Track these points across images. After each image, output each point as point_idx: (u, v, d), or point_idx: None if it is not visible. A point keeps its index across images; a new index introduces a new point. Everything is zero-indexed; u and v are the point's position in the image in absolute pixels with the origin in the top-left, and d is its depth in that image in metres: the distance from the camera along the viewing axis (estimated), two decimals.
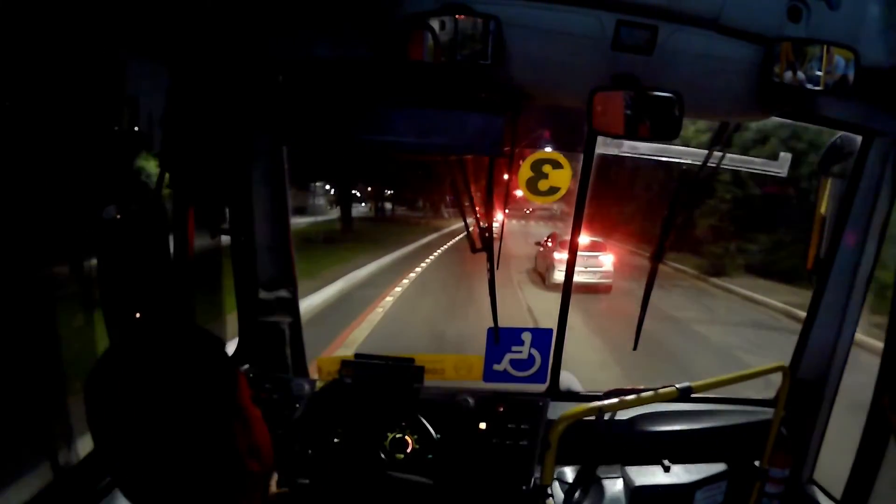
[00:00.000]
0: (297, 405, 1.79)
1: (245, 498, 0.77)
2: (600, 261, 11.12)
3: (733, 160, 2.02)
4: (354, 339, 7.24)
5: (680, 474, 1.84)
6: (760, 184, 13.72)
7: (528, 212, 39.00)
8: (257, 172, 1.75)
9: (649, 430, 1.88)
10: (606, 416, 1.54)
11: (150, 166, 1.55)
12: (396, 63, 1.28)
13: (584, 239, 11.63)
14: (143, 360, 0.71)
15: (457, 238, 23.45)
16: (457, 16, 1.21)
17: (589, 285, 10.80)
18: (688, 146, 2.04)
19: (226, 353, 0.79)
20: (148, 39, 1.31)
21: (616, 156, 2.09)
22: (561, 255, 10.57)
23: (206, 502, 0.73)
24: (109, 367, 0.71)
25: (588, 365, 6.49)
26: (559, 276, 10.38)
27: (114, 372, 0.71)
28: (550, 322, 2.09)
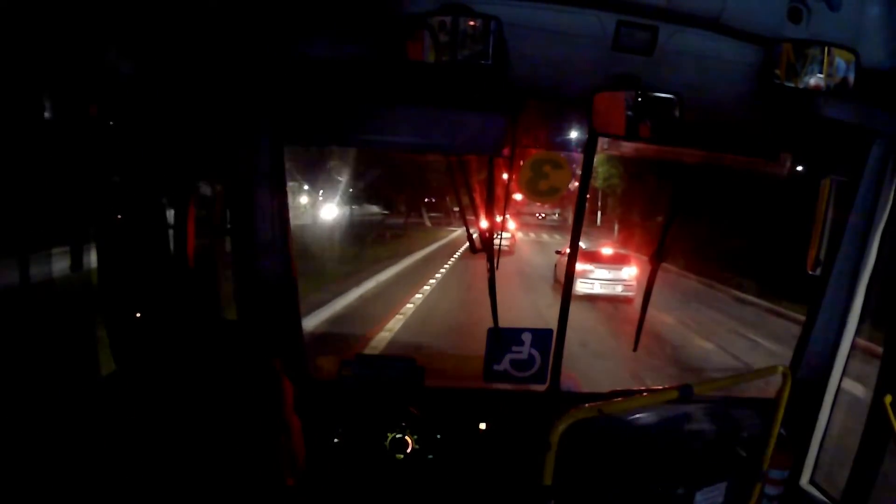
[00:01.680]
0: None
1: None
2: (623, 273, 10.92)
3: (734, 161, 2.02)
4: None
5: (680, 475, 1.84)
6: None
7: (540, 217, 37.80)
8: (257, 172, 1.75)
9: (649, 431, 1.88)
10: (606, 417, 1.54)
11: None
12: (396, 63, 1.28)
13: (608, 250, 11.50)
14: (190, 370, 0.68)
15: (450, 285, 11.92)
16: (457, 16, 1.21)
17: (610, 297, 10.66)
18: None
19: (273, 364, 0.75)
20: (149, 38, 1.30)
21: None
22: (583, 266, 10.39)
23: None
24: (153, 374, 0.68)
25: None
26: (582, 286, 10.17)
27: (159, 381, 0.68)
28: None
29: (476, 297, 8.28)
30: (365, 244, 17.33)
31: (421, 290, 10.70)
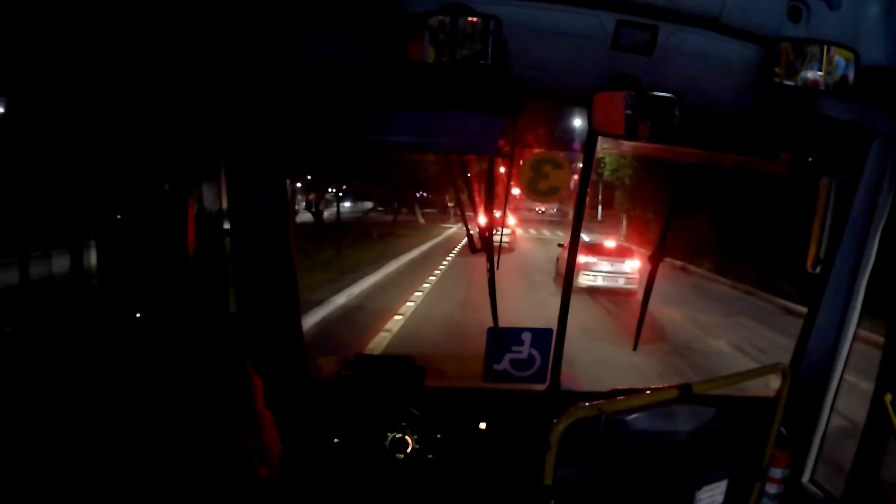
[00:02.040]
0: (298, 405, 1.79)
1: (250, 500, 0.79)
2: (626, 266, 10.96)
3: (734, 160, 2.02)
4: None
5: (680, 474, 1.84)
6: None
7: (540, 212, 37.86)
8: (257, 172, 1.75)
9: (649, 430, 1.88)
10: (606, 416, 1.54)
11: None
12: (396, 63, 1.28)
13: (611, 243, 11.57)
14: (160, 362, 0.73)
15: None
16: (457, 16, 1.21)
17: (613, 290, 10.68)
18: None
19: (242, 358, 0.80)
20: (150, 37, 1.30)
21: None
22: (586, 259, 10.43)
23: (212, 502, 0.75)
24: (126, 369, 0.73)
25: None
26: (584, 279, 10.22)
27: (131, 374, 0.72)
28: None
29: (476, 318, 6.03)
30: (344, 245, 14.54)
31: (401, 311, 8.40)
